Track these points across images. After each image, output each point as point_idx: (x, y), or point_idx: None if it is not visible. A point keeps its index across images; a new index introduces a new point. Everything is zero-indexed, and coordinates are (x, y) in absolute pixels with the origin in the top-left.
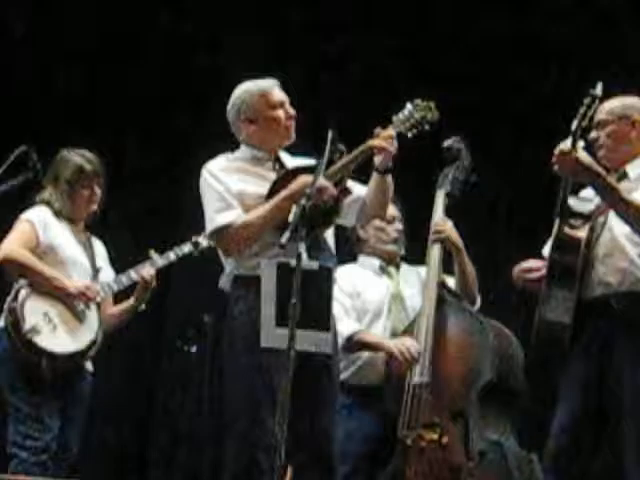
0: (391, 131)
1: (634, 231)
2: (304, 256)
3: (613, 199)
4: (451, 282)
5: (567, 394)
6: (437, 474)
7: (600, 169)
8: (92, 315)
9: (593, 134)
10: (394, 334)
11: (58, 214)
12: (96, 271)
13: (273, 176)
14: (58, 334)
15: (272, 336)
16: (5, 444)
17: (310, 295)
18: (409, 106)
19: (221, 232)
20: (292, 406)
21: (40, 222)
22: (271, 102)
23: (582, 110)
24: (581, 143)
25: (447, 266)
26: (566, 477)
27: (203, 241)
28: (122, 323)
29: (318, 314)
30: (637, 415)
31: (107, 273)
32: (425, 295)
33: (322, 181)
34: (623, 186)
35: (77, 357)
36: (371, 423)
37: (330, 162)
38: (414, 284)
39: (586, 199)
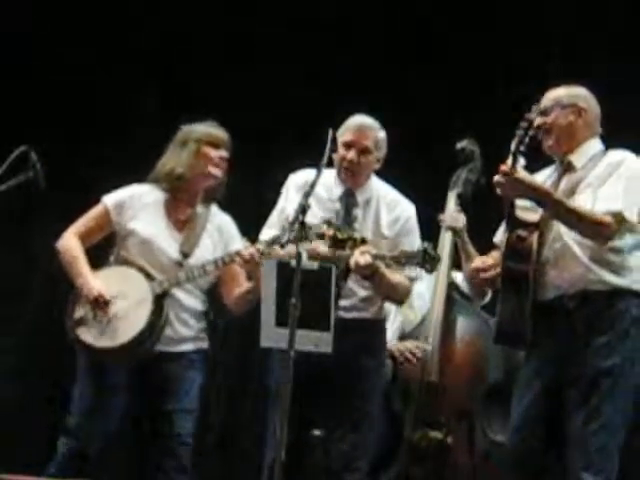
0: (369, 259)
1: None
2: (304, 256)
3: (558, 211)
4: (459, 277)
5: (523, 392)
6: (441, 474)
7: (540, 184)
8: (142, 313)
9: (539, 120)
10: (403, 334)
11: (168, 190)
12: (185, 256)
13: (338, 207)
14: (104, 328)
15: (272, 336)
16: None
17: (310, 295)
18: (420, 247)
19: None
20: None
21: (117, 205)
22: (341, 140)
23: (520, 132)
24: (521, 162)
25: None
26: (523, 475)
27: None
28: (250, 302)
29: (318, 314)
30: (597, 410)
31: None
32: (435, 295)
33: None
34: (571, 177)
35: (116, 352)
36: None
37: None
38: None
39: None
